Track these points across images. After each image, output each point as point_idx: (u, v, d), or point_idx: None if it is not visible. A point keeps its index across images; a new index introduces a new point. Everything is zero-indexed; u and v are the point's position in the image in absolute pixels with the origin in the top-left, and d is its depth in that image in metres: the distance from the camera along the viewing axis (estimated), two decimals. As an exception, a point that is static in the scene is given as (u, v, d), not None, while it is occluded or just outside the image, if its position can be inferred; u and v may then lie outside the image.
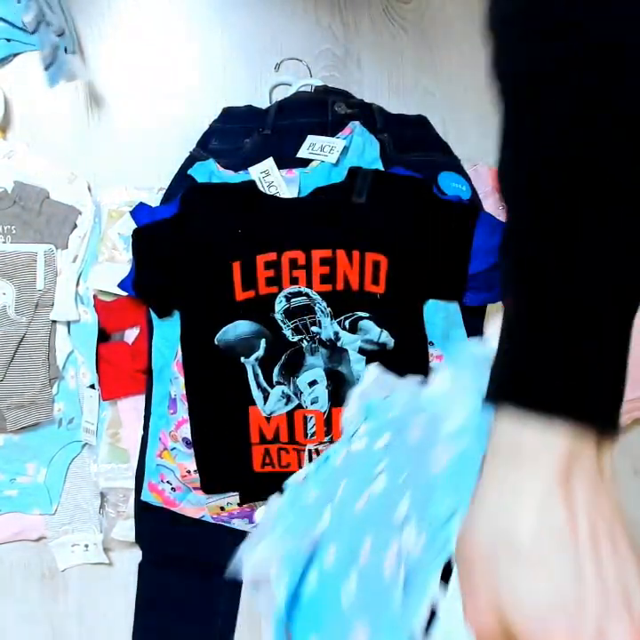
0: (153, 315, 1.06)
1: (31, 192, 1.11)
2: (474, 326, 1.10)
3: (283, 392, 1.01)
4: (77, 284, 1.13)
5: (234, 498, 1.06)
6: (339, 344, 1.02)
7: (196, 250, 1.02)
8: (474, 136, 1.19)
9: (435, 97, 1.20)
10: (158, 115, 1.18)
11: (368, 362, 1.02)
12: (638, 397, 1.19)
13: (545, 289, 0.44)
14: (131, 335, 1.12)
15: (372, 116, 1.10)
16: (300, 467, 1.02)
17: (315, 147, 1.06)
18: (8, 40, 1.11)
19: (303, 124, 1.08)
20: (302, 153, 1.06)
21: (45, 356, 1.12)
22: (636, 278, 0.45)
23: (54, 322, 1.13)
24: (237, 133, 1.11)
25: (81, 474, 1.16)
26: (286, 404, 1.02)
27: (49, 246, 1.12)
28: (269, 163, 1.04)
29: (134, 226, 1.06)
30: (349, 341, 1.02)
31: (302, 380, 1.01)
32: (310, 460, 1.02)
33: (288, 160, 1.06)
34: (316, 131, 1.07)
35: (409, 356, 1.04)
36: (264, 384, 1.01)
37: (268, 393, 1.01)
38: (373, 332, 1.02)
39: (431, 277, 1.03)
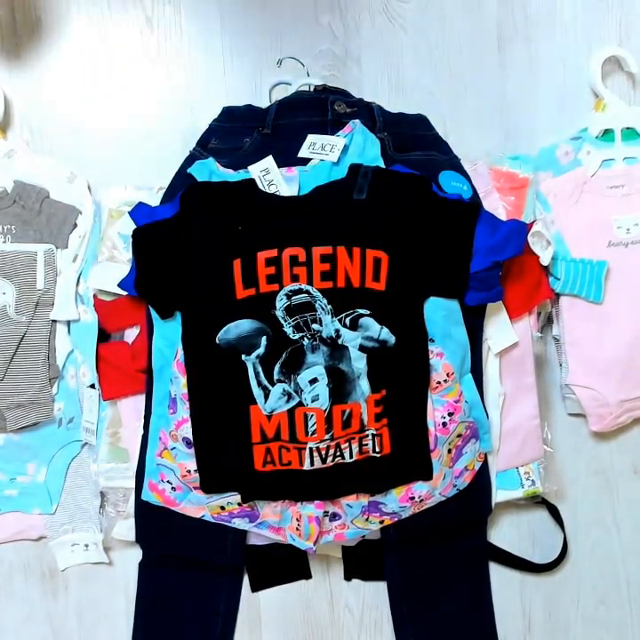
0: (153, 314, 1.06)
1: (31, 192, 1.12)
2: (474, 326, 1.10)
3: (283, 390, 1.01)
4: (77, 283, 1.13)
5: (234, 497, 1.06)
6: (339, 341, 1.02)
7: (196, 248, 1.02)
8: (474, 136, 1.20)
9: (435, 97, 1.20)
10: (158, 115, 1.18)
11: (368, 359, 1.02)
12: (638, 397, 1.19)
13: None
14: (131, 335, 1.12)
15: (371, 116, 1.11)
16: (302, 465, 1.02)
17: (315, 146, 1.06)
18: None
19: (303, 122, 1.09)
20: (303, 152, 1.06)
21: (45, 355, 1.12)
22: None
23: (54, 321, 1.13)
24: (237, 133, 1.11)
25: (81, 473, 1.16)
26: (287, 401, 1.02)
27: (49, 246, 1.12)
28: (269, 161, 1.04)
29: (134, 225, 1.06)
30: (350, 339, 1.02)
31: (303, 377, 1.01)
32: (311, 457, 1.02)
33: (288, 159, 1.06)
34: (315, 130, 1.08)
35: (409, 354, 1.04)
36: (265, 382, 1.01)
37: (269, 391, 1.01)
38: (374, 329, 1.02)
39: (432, 275, 1.04)
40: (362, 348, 1.02)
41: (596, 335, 1.17)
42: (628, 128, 1.17)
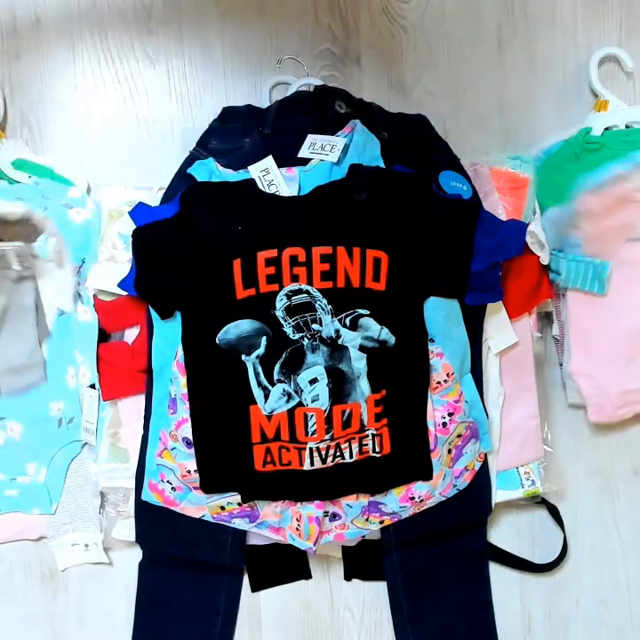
0: (153, 314, 1.06)
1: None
2: (474, 326, 1.10)
3: (283, 390, 1.02)
4: (78, 283, 1.13)
5: (234, 497, 1.06)
6: (339, 342, 1.02)
7: (196, 249, 1.02)
8: (474, 136, 1.20)
9: (435, 97, 1.20)
10: (158, 115, 1.18)
11: (368, 359, 1.02)
12: (639, 389, 1.18)
13: None
14: (131, 335, 1.12)
15: (371, 115, 1.10)
16: (302, 465, 1.02)
17: (315, 146, 1.06)
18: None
19: (303, 123, 1.08)
20: (303, 152, 1.06)
21: (33, 318, 1.11)
22: None
23: (37, 284, 1.11)
24: (237, 133, 1.11)
25: (81, 473, 1.16)
26: (287, 401, 1.02)
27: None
28: (269, 161, 1.04)
29: (134, 225, 1.06)
30: (350, 339, 1.02)
31: (303, 377, 1.01)
32: (311, 458, 1.02)
33: (288, 159, 1.06)
34: (315, 130, 1.07)
35: (409, 354, 1.04)
36: (265, 382, 1.01)
37: (269, 391, 1.01)
38: (374, 329, 1.02)
39: (432, 275, 1.04)
40: (362, 348, 1.02)
41: (600, 325, 1.16)
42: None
